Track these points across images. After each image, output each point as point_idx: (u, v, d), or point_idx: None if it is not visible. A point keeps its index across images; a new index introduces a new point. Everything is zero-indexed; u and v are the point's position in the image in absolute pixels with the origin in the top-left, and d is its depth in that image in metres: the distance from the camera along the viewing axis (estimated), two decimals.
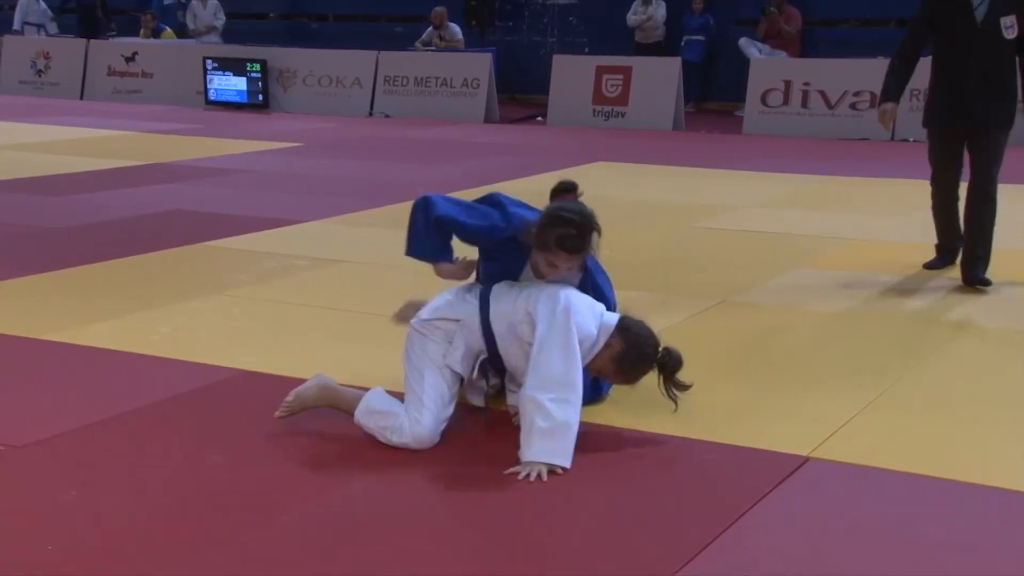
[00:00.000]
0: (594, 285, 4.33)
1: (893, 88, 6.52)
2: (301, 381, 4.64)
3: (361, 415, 4.03)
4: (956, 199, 6.61)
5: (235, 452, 3.94)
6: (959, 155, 6.48)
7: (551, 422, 3.76)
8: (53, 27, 19.63)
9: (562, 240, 3.95)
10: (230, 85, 16.74)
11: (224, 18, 18.79)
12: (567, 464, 3.76)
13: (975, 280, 6.32)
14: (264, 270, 6.68)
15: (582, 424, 3.91)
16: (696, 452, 4.01)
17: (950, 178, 6.54)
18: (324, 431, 4.13)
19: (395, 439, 3.94)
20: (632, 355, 4.03)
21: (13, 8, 22.82)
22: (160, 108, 16.52)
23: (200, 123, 14.87)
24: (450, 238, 4.22)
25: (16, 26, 19.55)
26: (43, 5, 19.66)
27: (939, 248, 6.80)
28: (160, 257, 7.01)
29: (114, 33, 19.36)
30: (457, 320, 4.07)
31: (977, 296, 6.23)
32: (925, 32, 6.47)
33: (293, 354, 5.05)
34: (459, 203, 4.20)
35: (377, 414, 4.01)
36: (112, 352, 5.07)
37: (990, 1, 6.14)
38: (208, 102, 16.79)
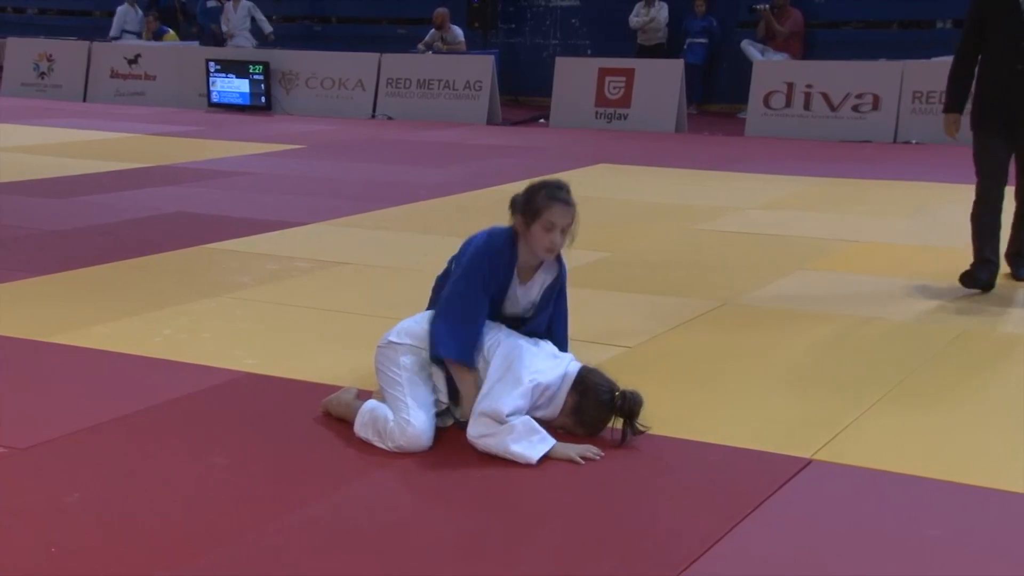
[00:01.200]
0: (561, 289, 4.36)
1: (953, 98, 6.42)
2: (303, 383, 4.67)
3: (357, 428, 4.07)
4: (999, 210, 6.33)
5: (238, 454, 3.94)
6: (1005, 162, 6.31)
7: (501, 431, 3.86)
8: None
9: (553, 193, 4.08)
10: (232, 87, 16.76)
11: (264, 17, 18.62)
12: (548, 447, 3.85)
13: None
14: (266, 272, 6.69)
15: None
16: (698, 454, 4.01)
17: (994, 185, 6.29)
18: (327, 433, 4.14)
19: (389, 444, 3.96)
20: (588, 406, 4.07)
21: (16, 9, 22.89)
22: (163, 110, 16.56)
23: (202, 125, 14.89)
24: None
25: (114, 33, 19.34)
26: (140, 13, 19.51)
27: (976, 263, 6.33)
28: (162, 259, 7.02)
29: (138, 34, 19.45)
30: (422, 348, 4.15)
31: (981, 300, 6.22)
32: (977, 37, 6.28)
33: (296, 356, 5.06)
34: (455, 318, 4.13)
35: (368, 424, 4.04)
36: (115, 354, 5.07)
37: None
38: (211, 104, 16.82)
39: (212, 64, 16.81)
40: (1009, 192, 6.50)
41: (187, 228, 7.96)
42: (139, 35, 19.31)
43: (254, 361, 4.95)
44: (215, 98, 16.82)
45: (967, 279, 6.28)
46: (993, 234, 6.31)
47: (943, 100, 6.60)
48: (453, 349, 4.07)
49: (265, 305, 5.98)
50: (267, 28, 18.43)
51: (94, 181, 10.09)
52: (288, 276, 6.62)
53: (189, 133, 13.98)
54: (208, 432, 4.17)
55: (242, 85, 16.72)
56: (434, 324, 4.13)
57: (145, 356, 5.04)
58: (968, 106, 6.40)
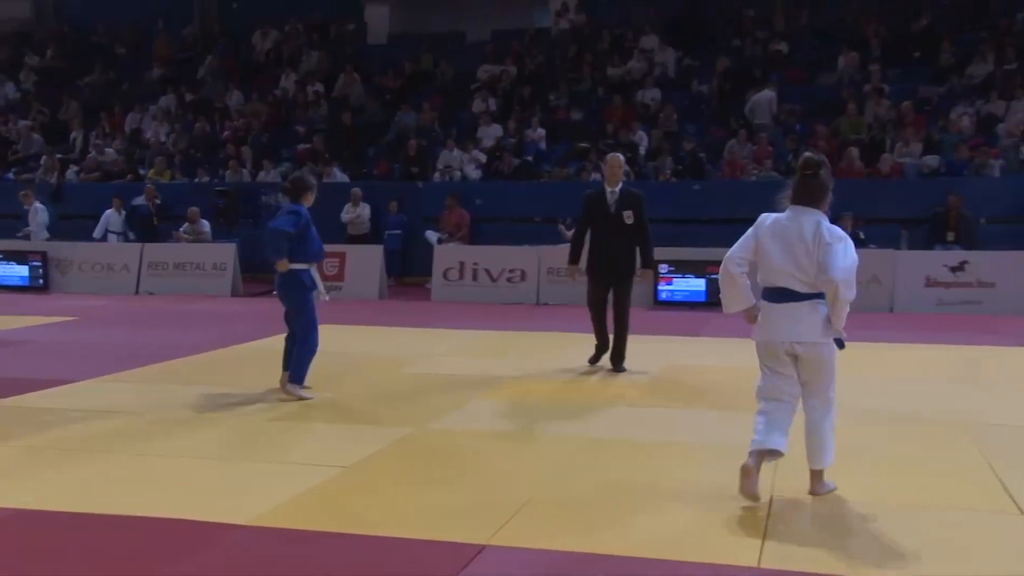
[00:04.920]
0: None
1: (573, 256, 8.24)
2: (76, 515, 4.25)
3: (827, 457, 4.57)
4: (604, 316, 8.16)
5: None
6: (606, 291, 8.10)
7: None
8: (132, 235, 17.10)
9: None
10: (14, 272, 15.58)
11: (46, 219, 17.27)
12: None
13: (620, 369, 8.00)
14: (41, 422, 6.11)
15: None
16: (385, 548, 3.93)
17: (600, 303, 8.14)
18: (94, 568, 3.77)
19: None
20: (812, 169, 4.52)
21: None
22: None
23: None
24: (286, 242, 6.85)
25: (97, 235, 16.87)
26: (124, 214, 17.12)
27: (597, 347, 8.25)
28: None
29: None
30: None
31: (617, 412, 6.49)
32: (587, 222, 8.12)
33: (71, 491, 4.62)
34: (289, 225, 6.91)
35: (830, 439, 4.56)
36: None
37: (617, 202, 7.95)
38: None
39: None
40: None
41: None
42: (123, 235, 17.03)
43: (30, 498, 4.48)
44: None
45: (595, 359, 8.26)
46: (603, 331, 8.20)
47: (568, 261, 8.34)
48: None
49: (41, 451, 5.45)
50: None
51: None
52: (62, 424, 6.07)
53: None
54: None
55: (22, 270, 15.57)
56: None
57: None
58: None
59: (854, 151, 15.17)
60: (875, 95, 16.70)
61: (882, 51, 18.11)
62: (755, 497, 4.36)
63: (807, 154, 4.60)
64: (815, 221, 4.39)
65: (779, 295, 4.45)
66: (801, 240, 4.37)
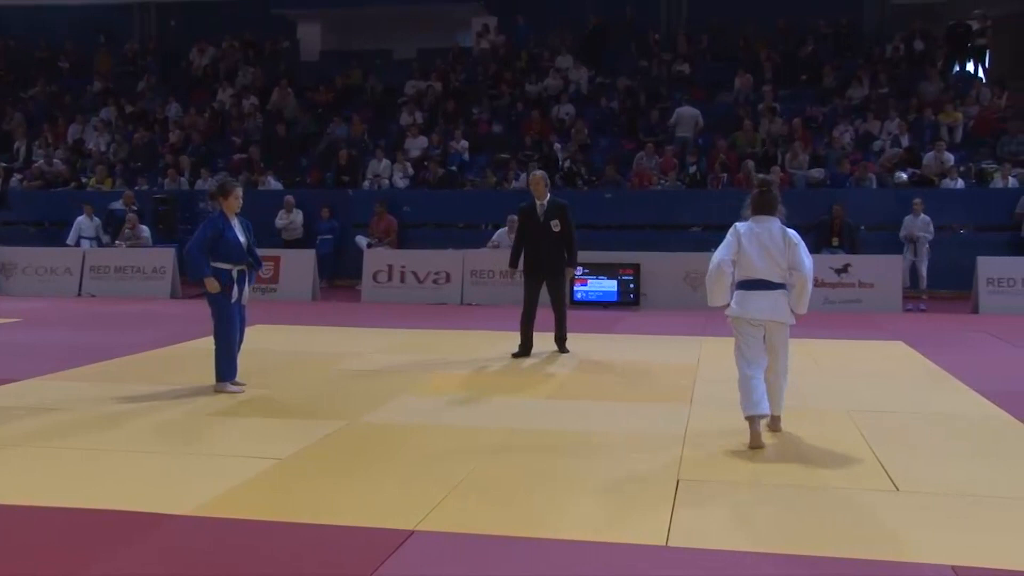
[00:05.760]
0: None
1: (513, 260, 8.77)
2: (14, 507, 4.09)
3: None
4: (534, 317, 8.55)
5: None
6: (538, 291, 8.60)
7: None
8: (106, 238, 16.18)
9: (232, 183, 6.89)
10: None
11: None
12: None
13: (563, 350, 8.67)
14: None
15: None
16: (320, 535, 3.87)
17: (532, 303, 8.59)
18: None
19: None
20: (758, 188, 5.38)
21: None
22: None
23: None
24: (207, 260, 6.74)
25: (70, 241, 15.93)
26: (97, 220, 16.20)
27: (521, 345, 8.55)
28: None
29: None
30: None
31: (537, 404, 6.49)
32: (523, 230, 8.66)
33: (10, 484, 4.43)
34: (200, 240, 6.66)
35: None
36: None
37: (545, 213, 8.57)
38: None
39: None
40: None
41: None
42: (95, 240, 16.16)
43: None
44: None
45: (517, 354, 8.48)
46: (530, 332, 8.54)
47: (508, 264, 8.90)
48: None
49: None
50: None
51: None
52: (3, 421, 5.83)
53: None
54: None
55: None
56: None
57: None
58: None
59: (750, 163, 15.51)
60: (768, 113, 17.14)
61: (773, 74, 18.63)
62: (761, 446, 5.17)
63: (761, 175, 5.67)
64: (779, 227, 5.28)
65: (757, 284, 5.26)
66: (772, 241, 5.23)
